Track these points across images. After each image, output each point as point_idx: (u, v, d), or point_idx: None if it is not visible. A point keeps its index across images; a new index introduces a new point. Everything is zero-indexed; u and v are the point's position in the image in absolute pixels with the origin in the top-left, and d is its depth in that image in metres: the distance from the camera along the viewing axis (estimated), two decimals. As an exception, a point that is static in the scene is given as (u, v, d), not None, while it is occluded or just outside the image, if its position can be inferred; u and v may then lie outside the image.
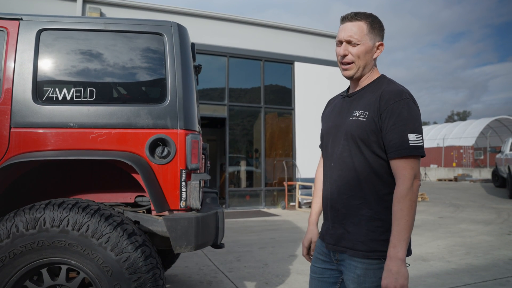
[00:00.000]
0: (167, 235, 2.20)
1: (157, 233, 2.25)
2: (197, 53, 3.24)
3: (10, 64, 2.26)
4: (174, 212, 2.27)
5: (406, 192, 1.28)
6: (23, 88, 2.24)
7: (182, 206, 2.25)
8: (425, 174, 22.41)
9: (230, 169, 9.60)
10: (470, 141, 26.67)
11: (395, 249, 1.26)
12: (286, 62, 10.01)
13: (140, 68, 2.38)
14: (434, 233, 6.09)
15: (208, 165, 3.60)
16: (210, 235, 2.35)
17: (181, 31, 2.45)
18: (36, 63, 2.28)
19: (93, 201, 2.14)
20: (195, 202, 2.26)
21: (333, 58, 9.83)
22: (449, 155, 25.06)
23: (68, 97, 2.28)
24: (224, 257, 4.57)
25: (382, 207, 1.36)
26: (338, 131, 1.48)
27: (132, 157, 2.18)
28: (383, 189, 1.37)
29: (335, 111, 1.56)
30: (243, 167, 9.90)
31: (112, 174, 2.52)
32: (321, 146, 1.63)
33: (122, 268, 1.97)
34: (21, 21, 2.32)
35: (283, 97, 10.08)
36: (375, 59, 1.48)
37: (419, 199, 10.90)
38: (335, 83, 7.44)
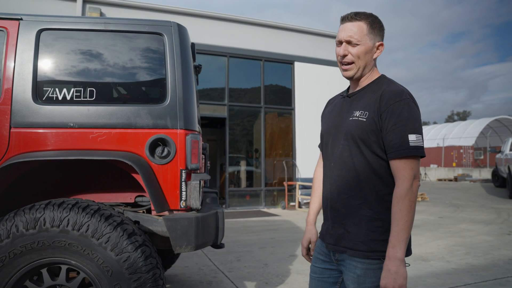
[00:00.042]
0: (167, 235, 2.20)
1: (157, 233, 2.25)
2: (197, 53, 3.24)
3: (10, 64, 2.25)
4: (174, 212, 2.27)
5: (406, 192, 1.28)
6: (23, 88, 2.23)
7: (182, 206, 2.25)
8: (425, 174, 22.41)
9: (230, 169, 9.60)
10: (470, 141, 26.67)
11: (394, 249, 1.26)
12: (286, 62, 10.01)
13: (140, 68, 2.38)
14: (434, 233, 6.09)
15: (208, 165, 3.60)
16: (210, 235, 2.35)
17: (181, 31, 2.45)
18: (36, 63, 2.28)
19: (93, 201, 2.14)
20: (195, 202, 2.26)
21: (333, 58, 9.83)
22: (449, 155, 25.06)
23: (68, 97, 2.28)
24: (224, 257, 4.57)
25: (382, 207, 1.36)
26: (338, 131, 1.48)
27: (132, 157, 2.18)
28: (383, 189, 1.37)
29: (335, 111, 1.55)
30: (243, 167, 9.90)
31: (112, 174, 2.52)
32: (321, 146, 1.63)
33: (122, 268, 1.97)
34: (21, 21, 2.32)
35: (283, 97, 10.08)
36: (375, 59, 1.48)
37: (419, 199, 10.90)
38: (335, 83, 7.44)
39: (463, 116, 64.50)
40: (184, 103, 2.33)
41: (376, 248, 1.34)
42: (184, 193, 2.25)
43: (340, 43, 1.45)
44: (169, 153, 2.25)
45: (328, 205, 1.49)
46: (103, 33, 2.37)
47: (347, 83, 1.60)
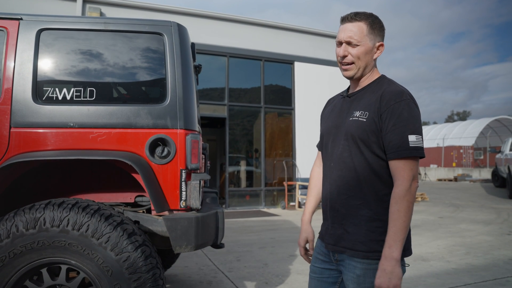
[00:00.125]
0: (167, 235, 2.20)
1: (157, 233, 2.25)
2: (197, 53, 3.24)
3: (10, 64, 2.25)
4: (174, 212, 2.27)
5: (405, 193, 1.28)
6: (23, 88, 2.23)
7: (182, 206, 2.25)
8: (425, 174, 22.41)
9: (230, 169, 9.60)
10: (470, 141, 26.67)
11: (390, 249, 1.26)
12: (286, 62, 10.01)
13: (140, 68, 2.38)
14: (434, 233, 6.10)
15: (208, 165, 3.60)
16: (210, 235, 2.35)
17: (181, 31, 2.45)
18: (36, 63, 2.28)
19: (93, 201, 2.14)
20: (195, 202, 2.26)
21: (333, 58, 9.83)
22: (449, 155, 25.06)
23: (68, 97, 2.28)
24: (224, 257, 4.57)
25: (382, 208, 1.36)
26: (338, 131, 1.47)
27: (132, 157, 2.18)
28: (383, 190, 1.37)
29: (335, 111, 1.55)
30: (243, 167, 9.90)
31: (112, 174, 2.52)
32: (320, 146, 1.63)
33: (122, 268, 1.97)
34: (21, 21, 2.32)
35: (283, 97, 10.08)
36: (375, 60, 1.48)
37: (419, 199, 10.90)
38: (335, 83, 7.44)
39: (463, 116, 64.51)
40: (184, 103, 2.33)
41: (375, 249, 1.34)
42: (184, 193, 2.25)
43: (340, 43, 1.45)
44: (169, 153, 2.25)
45: (328, 205, 1.49)
46: (103, 33, 2.37)
47: (347, 83, 1.60)
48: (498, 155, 14.04)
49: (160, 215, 2.25)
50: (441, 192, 13.95)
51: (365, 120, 1.38)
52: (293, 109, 9.97)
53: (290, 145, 9.98)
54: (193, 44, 2.61)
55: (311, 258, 1.67)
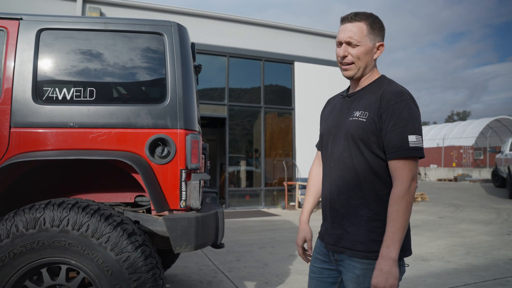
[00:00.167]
0: (167, 235, 2.20)
1: (157, 233, 2.25)
2: (197, 53, 3.24)
3: (10, 63, 2.25)
4: (174, 212, 2.27)
5: (404, 193, 1.28)
6: (23, 88, 2.23)
7: (182, 206, 2.25)
8: (425, 174, 22.41)
9: (230, 169, 9.60)
10: (470, 141, 26.67)
11: (388, 249, 1.26)
12: (286, 62, 10.01)
13: (140, 68, 2.38)
14: (434, 233, 6.10)
15: (208, 165, 3.60)
16: (210, 235, 2.35)
17: (181, 31, 2.45)
18: (36, 63, 2.28)
19: (93, 201, 2.14)
20: (195, 202, 2.26)
21: (333, 58, 9.83)
22: (449, 155, 25.06)
23: (68, 97, 2.28)
24: (224, 257, 4.57)
25: (382, 208, 1.36)
26: (338, 131, 1.47)
27: (132, 157, 2.18)
28: (383, 190, 1.37)
29: (335, 111, 1.55)
30: (243, 167, 9.90)
31: (112, 174, 2.52)
32: (320, 146, 1.63)
33: (122, 268, 1.97)
34: (21, 20, 2.32)
35: (283, 97, 10.08)
36: (375, 60, 1.48)
37: (419, 199, 10.91)
38: (335, 83, 7.44)
39: (463, 116, 64.51)
40: (184, 103, 2.33)
41: (375, 249, 1.34)
42: (184, 193, 2.25)
43: (340, 44, 1.45)
44: (169, 153, 2.25)
45: (328, 205, 1.49)
46: (103, 33, 2.37)
47: (347, 83, 1.59)
48: (498, 155, 14.05)
49: (160, 215, 2.25)
50: (441, 192, 13.95)
51: (365, 120, 1.38)
52: (293, 109, 9.97)
53: (290, 145, 9.98)
54: (193, 44, 2.61)
55: (309, 258, 1.67)
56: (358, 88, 1.49)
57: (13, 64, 2.25)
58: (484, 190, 14.16)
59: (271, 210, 9.06)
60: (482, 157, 26.90)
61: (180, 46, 2.40)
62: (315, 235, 1.63)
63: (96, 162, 2.44)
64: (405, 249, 1.38)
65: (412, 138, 1.30)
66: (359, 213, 1.39)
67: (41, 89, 2.27)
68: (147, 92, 2.48)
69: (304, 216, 1.68)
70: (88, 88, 2.32)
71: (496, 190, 13.85)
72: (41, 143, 2.20)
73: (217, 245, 2.48)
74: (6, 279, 1.97)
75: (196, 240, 2.21)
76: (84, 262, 1.99)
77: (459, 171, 22.21)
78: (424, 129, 33.16)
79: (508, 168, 11.40)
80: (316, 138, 1.74)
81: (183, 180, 2.25)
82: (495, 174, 14.68)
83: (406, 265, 1.41)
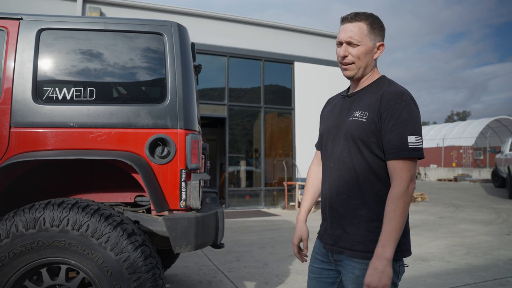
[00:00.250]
0: (167, 235, 2.20)
1: (157, 233, 2.25)
2: (197, 53, 3.24)
3: (10, 63, 2.25)
4: (174, 212, 2.27)
5: (402, 194, 1.28)
6: (23, 88, 2.23)
7: (182, 206, 2.25)
8: (425, 174, 22.41)
9: (230, 169, 9.60)
10: (469, 141, 26.68)
11: (383, 248, 1.26)
12: (286, 62, 10.01)
13: (140, 68, 2.38)
14: (434, 233, 6.10)
15: (208, 165, 3.60)
16: (210, 235, 2.35)
17: (181, 31, 2.45)
18: (36, 63, 2.28)
19: (93, 201, 2.14)
20: (195, 202, 2.26)
21: (333, 58, 9.84)
22: (448, 155, 25.07)
23: (68, 97, 2.28)
24: (224, 257, 4.57)
25: (381, 208, 1.36)
26: (338, 131, 1.47)
27: (132, 157, 2.18)
28: (382, 190, 1.37)
29: (335, 111, 1.55)
30: (243, 167, 9.90)
31: (112, 174, 2.52)
32: (319, 146, 1.63)
33: (121, 268, 1.97)
34: (21, 20, 2.32)
35: (283, 97, 10.08)
36: (375, 60, 1.48)
37: (419, 199, 10.91)
38: (335, 83, 7.44)
39: (463, 116, 64.52)
40: (184, 103, 2.33)
41: (374, 249, 1.34)
42: (184, 193, 2.25)
43: (340, 44, 1.45)
44: (169, 153, 2.25)
45: (327, 205, 1.49)
46: (103, 33, 2.37)
47: (347, 83, 1.60)
48: (498, 155, 14.05)
49: (160, 215, 2.25)
50: (441, 192, 13.95)
51: (365, 120, 1.38)
52: (293, 109, 9.97)
53: (290, 145, 9.98)
54: (193, 44, 2.61)
55: (304, 257, 1.66)
56: (358, 88, 1.49)
57: (13, 64, 2.25)
58: (484, 190, 14.17)
59: (271, 210, 9.06)
60: (482, 157, 26.89)
61: (180, 46, 2.40)
62: (312, 235, 1.62)
63: (96, 162, 2.44)
64: (405, 249, 1.38)
65: (411, 139, 1.30)
66: (358, 213, 1.39)
67: (41, 89, 2.27)
68: (147, 92, 2.48)
69: (301, 215, 1.68)
70: (88, 88, 2.32)
71: (496, 190, 13.85)
72: (41, 143, 2.20)
73: (217, 245, 2.48)
74: (6, 279, 1.97)
75: (196, 240, 2.21)
76: (84, 262, 1.99)
77: (459, 171, 22.21)
78: (424, 129, 33.17)
79: (508, 168, 11.40)
80: (316, 138, 1.74)
81: (183, 180, 2.25)
82: (495, 174, 14.68)
83: (405, 265, 1.41)
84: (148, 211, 2.42)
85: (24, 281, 2.04)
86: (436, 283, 3.61)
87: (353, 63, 1.43)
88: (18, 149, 2.17)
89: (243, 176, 9.91)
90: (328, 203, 1.48)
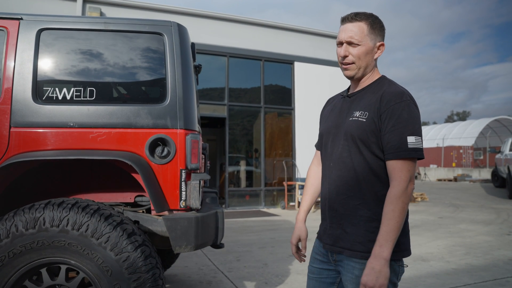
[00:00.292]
0: (166, 235, 2.20)
1: (156, 233, 2.25)
2: (197, 53, 3.24)
3: (10, 63, 2.25)
4: (174, 212, 2.27)
5: (401, 194, 1.28)
6: (23, 88, 2.23)
7: (182, 206, 2.25)
8: (425, 174, 22.40)
9: (229, 169, 9.60)
10: (469, 141, 26.68)
11: (381, 248, 1.26)
12: (286, 62, 10.01)
13: (140, 68, 2.38)
14: (434, 233, 6.10)
15: (208, 165, 3.60)
16: (209, 235, 2.35)
17: (181, 31, 2.45)
18: (36, 63, 2.28)
19: (93, 201, 2.14)
20: (195, 202, 2.26)
21: (333, 58, 9.84)
22: (448, 155, 25.06)
23: (68, 97, 2.28)
24: (224, 257, 4.57)
25: (381, 208, 1.35)
26: (338, 131, 1.47)
27: (132, 157, 2.18)
28: (382, 190, 1.37)
29: (335, 111, 1.55)
30: (242, 167, 9.90)
31: (112, 174, 2.52)
32: (319, 146, 1.63)
33: (121, 268, 1.97)
34: (21, 20, 2.32)
35: (283, 97, 10.08)
36: (376, 59, 1.48)
37: (419, 199, 10.91)
38: (335, 83, 7.45)
39: (462, 116, 64.52)
40: (184, 103, 2.33)
41: (374, 249, 1.34)
42: (184, 193, 2.25)
43: (340, 44, 1.45)
44: (169, 153, 2.25)
45: (327, 205, 1.49)
46: (103, 33, 2.37)
47: (347, 83, 1.60)
48: (498, 155, 14.05)
49: (160, 215, 2.25)
50: (441, 192, 13.95)
51: (365, 120, 1.38)
52: (293, 109, 9.97)
53: (290, 145, 9.98)
54: (193, 44, 2.61)
55: (302, 257, 1.66)
56: (358, 88, 1.49)
57: (13, 64, 2.25)
58: (484, 190, 14.17)
59: (271, 210, 9.06)
60: (482, 157, 26.90)
61: (180, 46, 2.40)
62: (312, 235, 1.62)
63: (96, 162, 2.44)
64: (404, 250, 1.38)
65: (411, 139, 1.30)
66: (358, 213, 1.39)
67: (41, 89, 2.27)
68: (147, 92, 2.48)
69: (300, 215, 1.67)
70: (88, 88, 2.32)
71: (496, 190, 13.85)
72: (41, 143, 2.20)
73: (217, 245, 2.48)
74: (6, 279, 1.97)
75: (196, 240, 2.21)
76: (84, 262, 1.99)
77: (459, 171, 22.21)
78: (424, 129, 33.16)
79: (508, 168, 11.40)
80: (316, 138, 1.74)
81: (183, 180, 2.25)
82: (495, 174, 14.69)
83: (405, 265, 1.41)
84: (148, 211, 2.42)
85: (24, 281, 2.04)
86: (436, 283, 3.61)
87: (353, 63, 1.43)
88: (18, 149, 2.17)
89: (243, 176, 9.91)
90: (328, 203, 1.48)
